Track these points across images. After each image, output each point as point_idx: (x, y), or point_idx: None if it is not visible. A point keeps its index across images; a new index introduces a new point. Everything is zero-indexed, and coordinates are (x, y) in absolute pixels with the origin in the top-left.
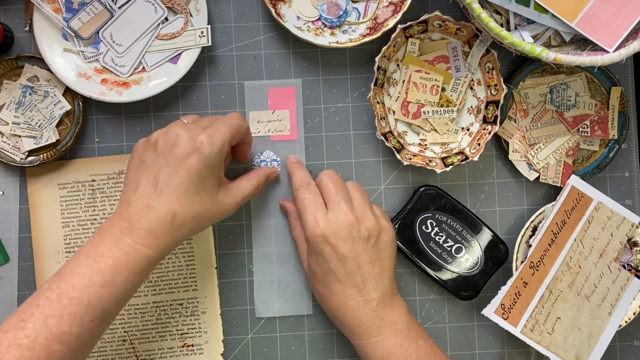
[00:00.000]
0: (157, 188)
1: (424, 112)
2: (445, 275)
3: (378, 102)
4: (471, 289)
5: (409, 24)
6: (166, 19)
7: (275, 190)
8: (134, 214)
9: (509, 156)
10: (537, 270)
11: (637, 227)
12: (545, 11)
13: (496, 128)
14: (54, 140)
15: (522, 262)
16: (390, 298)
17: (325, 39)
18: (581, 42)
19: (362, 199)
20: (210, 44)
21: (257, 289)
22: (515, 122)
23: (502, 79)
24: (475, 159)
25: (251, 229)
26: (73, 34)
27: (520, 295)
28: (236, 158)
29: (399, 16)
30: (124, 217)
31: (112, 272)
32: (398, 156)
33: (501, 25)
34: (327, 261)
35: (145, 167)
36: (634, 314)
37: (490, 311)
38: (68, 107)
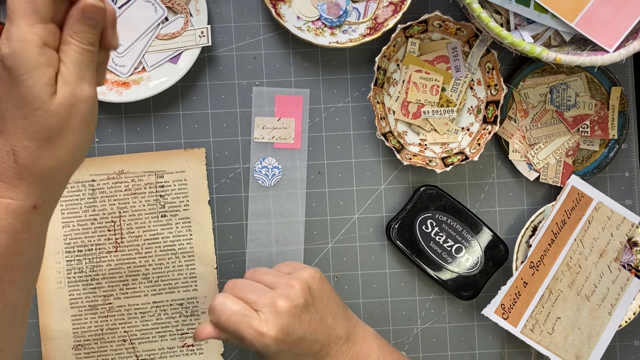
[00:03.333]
0: None
1: (424, 112)
2: (445, 275)
3: (378, 102)
4: (471, 289)
5: (409, 24)
6: (166, 18)
7: (277, 190)
8: None
9: (509, 156)
10: (537, 270)
11: (637, 227)
12: (545, 11)
13: (496, 128)
14: None
15: (522, 262)
16: (353, 332)
17: (325, 39)
18: (581, 42)
19: (273, 277)
20: (210, 44)
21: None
22: (515, 122)
23: (502, 79)
24: (475, 159)
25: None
26: None
27: (520, 295)
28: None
29: (399, 16)
30: None
31: None
32: (398, 156)
33: (501, 25)
34: (291, 352)
35: None
36: (634, 314)
37: (490, 311)
38: None
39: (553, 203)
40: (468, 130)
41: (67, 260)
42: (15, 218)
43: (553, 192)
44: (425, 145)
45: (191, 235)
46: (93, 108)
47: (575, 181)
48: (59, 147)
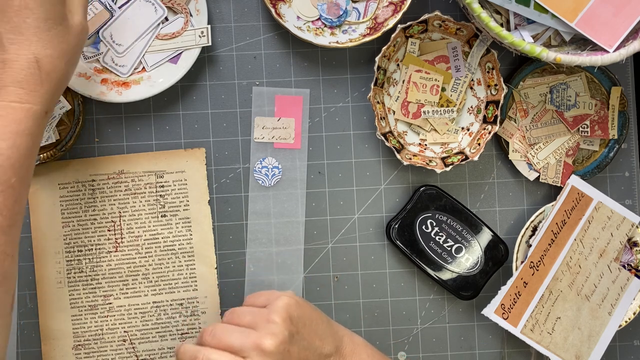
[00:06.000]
0: (4, 42)
1: (424, 112)
2: (445, 275)
3: (378, 102)
4: (471, 289)
5: (409, 23)
6: (166, 18)
7: (277, 190)
8: None
9: (509, 156)
10: (537, 270)
11: (637, 227)
12: (545, 11)
13: (496, 128)
14: (54, 140)
15: (522, 262)
16: (342, 346)
17: (325, 39)
18: (581, 42)
19: (251, 316)
20: (210, 44)
21: (251, 291)
22: (515, 122)
23: (502, 79)
24: (475, 158)
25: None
26: None
27: (520, 295)
28: None
29: (399, 16)
30: None
31: None
32: (398, 156)
33: (501, 25)
34: None
35: None
36: (634, 314)
37: (490, 311)
38: (68, 107)
39: (553, 203)
40: (468, 130)
41: (67, 260)
42: (34, 121)
43: (553, 192)
44: (425, 145)
45: (191, 235)
46: (86, 37)
47: (575, 181)
48: (70, 61)
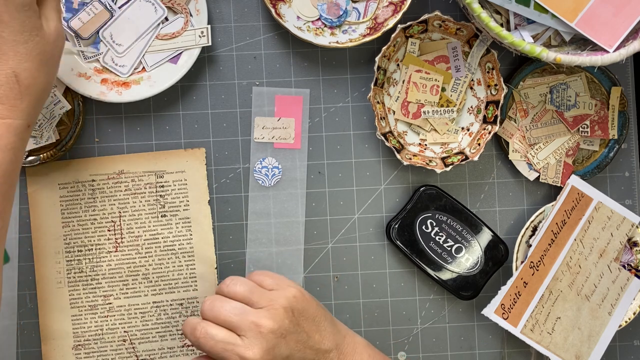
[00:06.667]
0: None
1: (424, 112)
2: (445, 275)
3: (378, 102)
4: (471, 289)
5: (409, 23)
6: (166, 18)
7: (277, 190)
8: None
9: (509, 156)
10: (537, 270)
11: (637, 227)
12: (545, 11)
13: (496, 128)
14: (54, 140)
15: (522, 262)
16: (342, 344)
17: (325, 39)
18: (581, 42)
19: (255, 296)
20: (210, 44)
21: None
22: (515, 122)
23: (502, 79)
24: (475, 159)
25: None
26: (73, 34)
27: (520, 295)
28: None
29: (399, 16)
30: None
31: None
32: (398, 156)
33: (501, 25)
34: None
35: None
36: (634, 314)
37: (490, 311)
38: (68, 107)
39: (553, 203)
40: (468, 130)
41: (67, 260)
42: (16, 136)
43: (553, 192)
44: (425, 145)
45: (191, 235)
46: (64, 42)
47: (575, 181)
48: (49, 71)
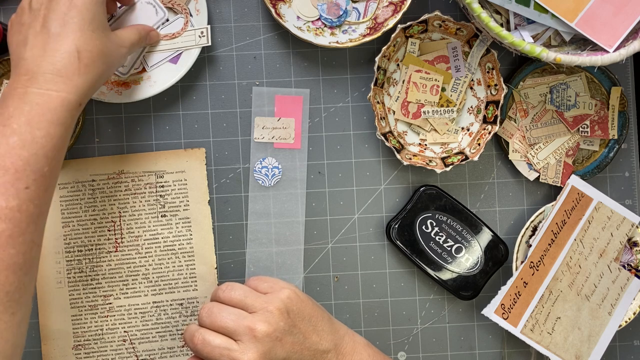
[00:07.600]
0: (50, 32)
1: (424, 112)
2: (445, 275)
3: (378, 102)
4: (471, 289)
5: (409, 23)
6: (166, 19)
7: (277, 190)
8: (32, 63)
9: (509, 156)
10: (537, 270)
11: (637, 227)
12: (545, 11)
13: (496, 128)
14: None
15: (522, 262)
16: (342, 344)
17: (325, 39)
18: (581, 42)
19: (251, 300)
20: (210, 44)
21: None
22: (515, 122)
23: (502, 79)
24: (475, 159)
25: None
26: None
27: (520, 295)
28: (121, 1)
29: (399, 16)
30: (22, 72)
31: (29, 129)
32: (398, 156)
33: (501, 25)
34: None
35: (30, 24)
36: (634, 314)
37: (490, 311)
38: None
39: (553, 203)
40: (468, 130)
41: (67, 260)
42: (68, 112)
43: (553, 192)
44: (425, 145)
45: (191, 235)
46: (123, 56)
47: (575, 181)
48: (107, 66)
